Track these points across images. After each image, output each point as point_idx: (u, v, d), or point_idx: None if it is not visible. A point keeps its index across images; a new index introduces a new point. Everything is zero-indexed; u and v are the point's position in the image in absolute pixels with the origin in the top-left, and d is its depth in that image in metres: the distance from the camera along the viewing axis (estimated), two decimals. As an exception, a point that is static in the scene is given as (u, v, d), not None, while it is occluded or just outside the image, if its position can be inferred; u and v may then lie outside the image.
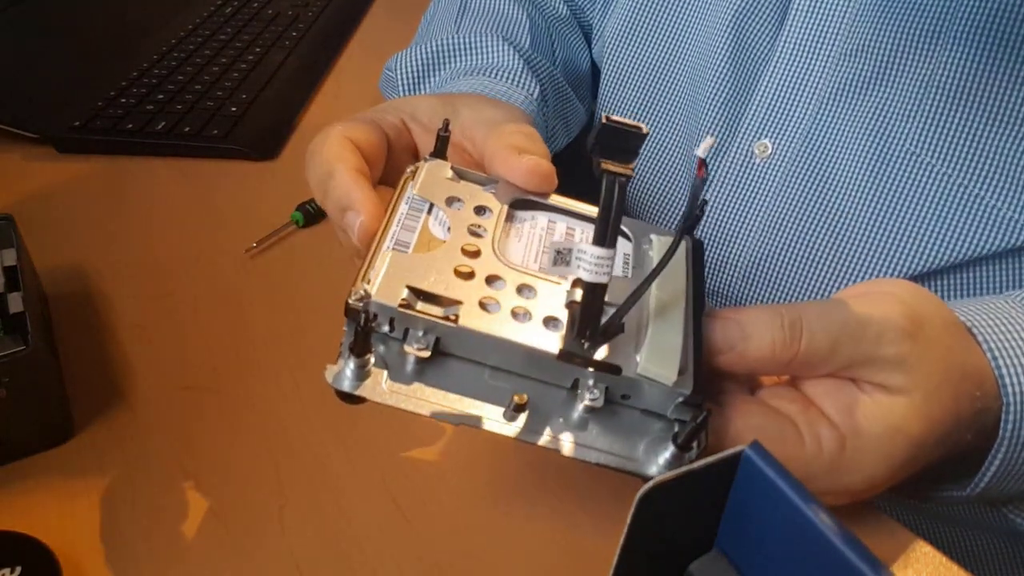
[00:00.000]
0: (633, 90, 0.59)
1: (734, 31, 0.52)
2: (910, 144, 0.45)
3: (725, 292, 0.53)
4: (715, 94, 0.53)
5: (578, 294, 0.30)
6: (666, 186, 0.58)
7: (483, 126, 0.40)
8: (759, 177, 0.51)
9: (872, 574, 0.19)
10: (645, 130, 0.27)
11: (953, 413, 0.33)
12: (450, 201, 0.34)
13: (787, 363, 0.32)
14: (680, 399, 0.29)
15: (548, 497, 0.39)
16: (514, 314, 0.30)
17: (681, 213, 0.57)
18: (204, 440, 0.41)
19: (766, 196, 0.50)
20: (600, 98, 0.63)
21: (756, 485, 0.22)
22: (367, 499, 0.38)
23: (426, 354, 0.29)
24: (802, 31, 0.49)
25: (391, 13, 0.94)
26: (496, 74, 0.53)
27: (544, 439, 0.29)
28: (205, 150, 0.65)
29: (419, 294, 0.30)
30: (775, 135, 0.50)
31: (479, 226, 0.34)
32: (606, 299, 0.29)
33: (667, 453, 0.29)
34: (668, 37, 0.57)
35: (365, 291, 0.29)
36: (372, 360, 0.29)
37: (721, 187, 0.52)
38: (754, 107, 0.51)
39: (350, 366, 0.29)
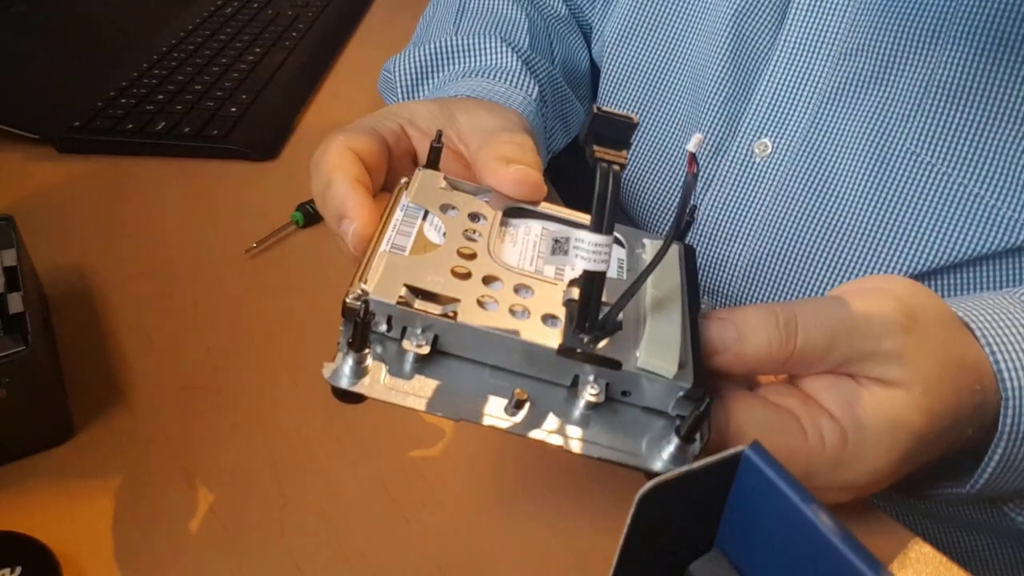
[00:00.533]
0: (633, 90, 0.59)
1: (734, 31, 0.52)
2: (910, 143, 0.45)
3: (725, 291, 0.53)
4: (715, 93, 0.53)
5: (575, 293, 0.30)
6: (666, 186, 0.58)
7: (478, 134, 0.40)
8: (759, 176, 0.51)
9: (872, 574, 0.19)
10: (636, 119, 0.28)
11: (954, 406, 0.33)
12: (445, 208, 0.35)
13: (784, 362, 0.32)
14: (681, 393, 0.29)
15: (548, 497, 0.39)
16: (512, 312, 0.30)
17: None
18: (204, 440, 0.41)
19: (766, 195, 0.50)
20: (600, 98, 0.63)
21: (756, 485, 0.22)
22: (367, 499, 0.38)
23: (425, 351, 0.29)
24: (802, 30, 0.49)
25: (391, 13, 0.94)
26: (494, 76, 0.53)
27: (545, 434, 0.29)
28: (205, 150, 0.65)
29: (417, 292, 0.30)
30: (775, 134, 0.50)
31: (474, 231, 0.34)
32: (603, 299, 0.29)
33: (671, 447, 0.29)
34: (668, 37, 0.57)
35: (363, 290, 0.29)
36: (370, 357, 0.29)
37: (721, 186, 0.52)
38: (754, 106, 0.51)
39: (348, 362, 0.29)
